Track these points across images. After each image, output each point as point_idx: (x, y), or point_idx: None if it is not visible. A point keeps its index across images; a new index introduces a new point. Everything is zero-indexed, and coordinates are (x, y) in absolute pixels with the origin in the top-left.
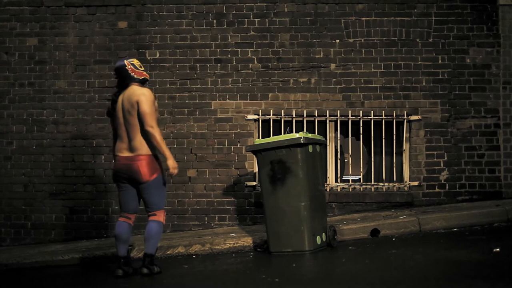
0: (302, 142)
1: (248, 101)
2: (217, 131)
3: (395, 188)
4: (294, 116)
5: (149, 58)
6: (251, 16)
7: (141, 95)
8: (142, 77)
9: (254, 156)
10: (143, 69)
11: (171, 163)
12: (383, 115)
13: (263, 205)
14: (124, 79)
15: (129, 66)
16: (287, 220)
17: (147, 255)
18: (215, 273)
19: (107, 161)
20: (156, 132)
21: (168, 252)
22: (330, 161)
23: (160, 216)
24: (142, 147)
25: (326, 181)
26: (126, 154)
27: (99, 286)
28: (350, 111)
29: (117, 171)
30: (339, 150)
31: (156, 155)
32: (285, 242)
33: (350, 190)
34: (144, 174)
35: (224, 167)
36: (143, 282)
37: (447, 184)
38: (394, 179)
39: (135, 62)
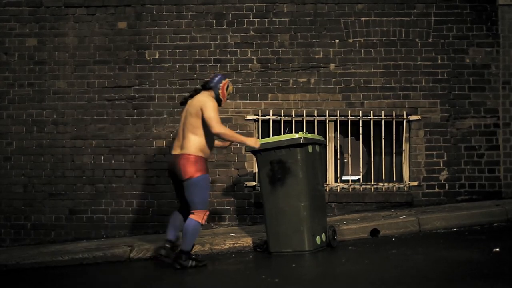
0: (301, 142)
1: (248, 101)
2: None
3: (394, 188)
4: (293, 116)
5: (148, 58)
6: (251, 16)
7: (206, 102)
8: (220, 97)
9: (253, 156)
10: (228, 97)
11: (249, 141)
12: (383, 115)
13: (263, 205)
14: (208, 84)
15: (225, 84)
16: (287, 220)
17: (180, 251)
18: (215, 273)
19: (107, 162)
20: (223, 131)
21: None
22: (329, 161)
23: (198, 216)
24: (190, 147)
25: (326, 181)
26: (176, 151)
27: (99, 287)
28: (349, 111)
29: (168, 167)
30: (338, 150)
31: (202, 157)
32: (285, 242)
33: (350, 190)
34: (184, 173)
35: (223, 167)
36: (143, 282)
37: (446, 184)
38: (394, 179)
39: (231, 88)
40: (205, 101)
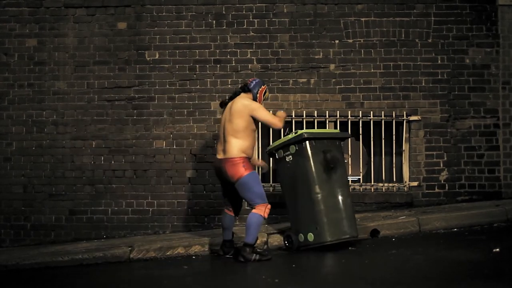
0: (346, 136)
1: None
2: (216, 131)
3: (394, 188)
4: (293, 116)
5: (148, 59)
6: (251, 17)
7: (251, 104)
8: (257, 100)
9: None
10: (263, 101)
11: (280, 113)
12: (383, 116)
13: (314, 194)
14: (248, 87)
15: (264, 89)
16: (342, 207)
17: (244, 243)
18: (215, 274)
19: (107, 162)
20: (278, 122)
21: (168, 253)
22: None
23: (259, 210)
24: (233, 150)
25: None
26: (220, 155)
27: (99, 287)
28: (349, 112)
29: (214, 168)
30: None
31: (245, 157)
32: (343, 230)
33: (350, 190)
34: (232, 176)
35: None
36: (143, 283)
37: (446, 184)
38: (394, 180)
39: (267, 94)
40: (250, 105)
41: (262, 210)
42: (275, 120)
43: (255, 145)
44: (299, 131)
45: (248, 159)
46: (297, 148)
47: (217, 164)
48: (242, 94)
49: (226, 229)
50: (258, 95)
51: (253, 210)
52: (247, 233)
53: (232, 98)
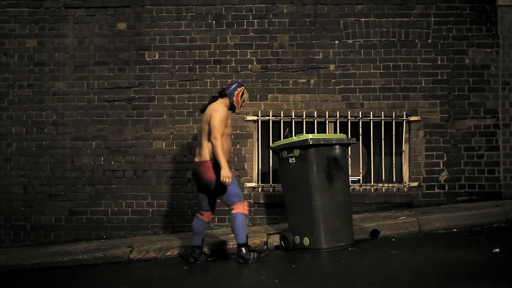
0: (351, 142)
1: (248, 102)
2: None
3: (394, 188)
4: (293, 117)
5: (148, 59)
6: (250, 17)
7: (216, 111)
8: (234, 104)
9: (255, 156)
10: (243, 104)
11: (223, 172)
12: (383, 116)
13: (314, 201)
14: (224, 92)
15: (240, 91)
16: (342, 215)
17: (238, 245)
18: (215, 274)
19: (107, 163)
20: (217, 143)
21: (168, 253)
22: None
23: (237, 208)
24: (207, 154)
25: None
26: (196, 159)
27: (99, 287)
28: (349, 112)
29: (192, 171)
30: None
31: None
32: (339, 237)
33: (350, 197)
34: (207, 179)
35: None
36: (143, 283)
37: (446, 185)
38: (394, 180)
39: (246, 95)
40: (216, 110)
41: (240, 208)
42: (217, 134)
43: (229, 150)
44: (305, 135)
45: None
46: (301, 152)
47: (194, 167)
48: (219, 100)
49: (197, 234)
50: (235, 98)
51: (233, 211)
52: (236, 235)
53: (210, 103)
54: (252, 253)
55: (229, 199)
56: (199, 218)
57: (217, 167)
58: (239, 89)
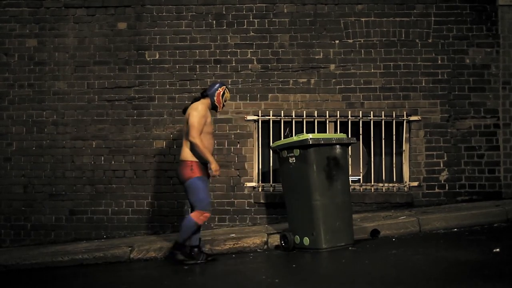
0: (352, 142)
1: (248, 101)
2: (216, 132)
3: (395, 188)
4: (293, 116)
5: (148, 59)
6: (251, 17)
7: (194, 110)
8: (216, 104)
9: (255, 156)
10: (225, 103)
11: (213, 166)
12: (383, 116)
13: (314, 201)
14: (206, 92)
15: (221, 91)
16: (342, 215)
17: (175, 241)
18: (215, 274)
19: (107, 162)
20: (197, 141)
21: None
22: None
23: (194, 215)
24: (186, 153)
25: None
26: (179, 158)
27: (99, 287)
28: (349, 112)
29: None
30: None
31: (196, 162)
32: (339, 237)
33: (350, 190)
34: (181, 177)
35: (224, 168)
36: (144, 283)
37: (446, 185)
38: (394, 180)
39: (227, 94)
40: (195, 108)
41: (197, 216)
42: (195, 133)
43: (212, 148)
44: (304, 135)
45: (200, 164)
46: (301, 152)
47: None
48: (201, 100)
49: (193, 234)
50: (216, 98)
51: (191, 214)
52: (179, 234)
53: (192, 103)
54: (178, 253)
55: (192, 203)
56: (188, 215)
57: (194, 166)
58: (220, 89)
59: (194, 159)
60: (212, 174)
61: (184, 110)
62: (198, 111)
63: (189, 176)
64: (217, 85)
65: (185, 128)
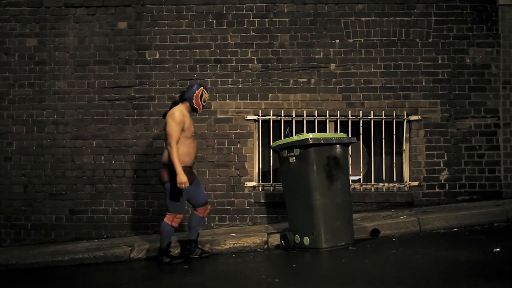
0: (352, 141)
1: (248, 101)
2: (217, 131)
3: (395, 188)
4: (294, 116)
5: (148, 58)
6: (251, 17)
7: (170, 117)
8: (195, 106)
9: (255, 156)
10: (204, 104)
11: (178, 178)
12: (383, 115)
13: (314, 201)
14: (184, 96)
15: (198, 93)
16: (342, 214)
17: (159, 249)
18: (215, 274)
19: (107, 162)
20: (172, 150)
21: None
22: None
23: (167, 218)
24: (165, 157)
25: None
26: (161, 160)
27: (99, 287)
28: (350, 111)
29: None
30: None
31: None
32: (339, 237)
33: (350, 190)
34: (160, 180)
35: (224, 168)
36: (144, 282)
37: (447, 184)
38: (394, 179)
39: (205, 95)
40: (171, 115)
41: (170, 219)
42: (171, 141)
43: (194, 151)
44: (305, 135)
45: (184, 168)
46: (301, 152)
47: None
48: (179, 104)
49: (192, 228)
50: (194, 100)
51: (164, 218)
52: (160, 240)
53: (171, 108)
54: (165, 257)
55: (166, 206)
56: (194, 213)
57: (171, 171)
58: (197, 91)
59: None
60: (177, 186)
61: (164, 115)
62: (174, 119)
63: (165, 180)
64: (195, 87)
65: (165, 132)
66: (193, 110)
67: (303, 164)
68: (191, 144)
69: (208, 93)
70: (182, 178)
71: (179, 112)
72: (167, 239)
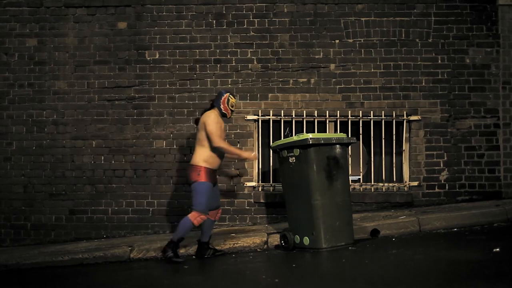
0: (352, 141)
1: (248, 101)
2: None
3: (395, 188)
4: (293, 116)
5: (148, 58)
6: (251, 17)
7: (208, 118)
8: (223, 111)
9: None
10: (233, 109)
11: (246, 155)
12: (383, 115)
13: (314, 200)
14: (213, 103)
15: (225, 99)
16: (342, 214)
17: (171, 238)
18: (215, 274)
19: (107, 162)
20: (221, 145)
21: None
22: None
23: (192, 215)
24: (196, 158)
25: None
26: (190, 161)
27: (99, 287)
28: (349, 111)
29: None
30: None
31: (205, 167)
32: (339, 237)
33: (350, 190)
34: (189, 179)
35: (224, 168)
36: (144, 283)
37: (447, 184)
38: (394, 179)
39: (232, 100)
40: (208, 116)
41: (194, 217)
42: (217, 138)
43: (221, 156)
44: (305, 135)
45: (209, 170)
46: (301, 152)
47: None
48: (211, 110)
49: (204, 232)
50: (222, 106)
51: (189, 215)
52: (175, 232)
53: (203, 113)
54: (170, 251)
55: (192, 204)
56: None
57: (200, 172)
58: (223, 97)
59: (204, 164)
60: (252, 159)
61: (196, 121)
62: (211, 119)
63: (195, 180)
64: (221, 93)
65: (199, 135)
66: (222, 115)
67: (303, 164)
68: (220, 149)
69: (235, 98)
70: (244, 154)
71: (214, 114)
72: (182, 234)
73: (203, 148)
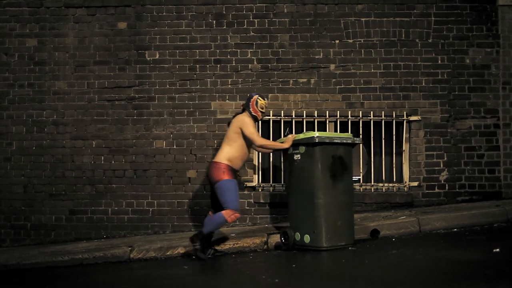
0: (356, 142)
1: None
2: (217, 131)
3: (395, 188)
4: (293, 116)
5: (148, 58)
6: (251, 17)
7: (242, 121)
8: (253, 114)
9: (255, 156)
10: (263, 111)
11: (289, 143)
12: (383, 116)
13: (317, 199)
14: (244, 106)
15: (254, 101)
16: (344, 214)
17: (199, 231)
18: (215, 274)
19: (107, 162)
20: (264, 143)
21: (168, 253)
22: None
23: (226, 213)
24: (221, 156)
25: None
26: (213, 159)
27: (99, 287)
28: (349, 112)
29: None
30: None
31: (229, 165)
32: (341, 236)
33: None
34: (213, 177)
35: None
36: (144, 283)
37: (447, 185)
38: (394, 180)
39: (261, 102)
40: (242, 120)
41: (228, 214)
42: (258, 138)
43: (246, 157)
44: (311, 133)
45: (232, 169)
46: (306, 150)
47: (208, 166)
48: (242, 113)
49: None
50: (251, 109)
51: (222, 211)
52: (206, 225)
53: (235, 116)
54: (198, 244)
55: (224, 202)
56: (208, 216)
57: (224, 170)
58: (252, 99)
59: (227, 163)
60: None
61: (229, 123)
62: (246, 122)
63: (220, 178)
64: (250, 95)
65: (229, 134)
66: (254, 118)
67: (308, 162)
68: (247, 152)
69: (264, 99)
70: (287, 143)
71: (247, 118)
72: (213, 228)
73: (230, 147)
